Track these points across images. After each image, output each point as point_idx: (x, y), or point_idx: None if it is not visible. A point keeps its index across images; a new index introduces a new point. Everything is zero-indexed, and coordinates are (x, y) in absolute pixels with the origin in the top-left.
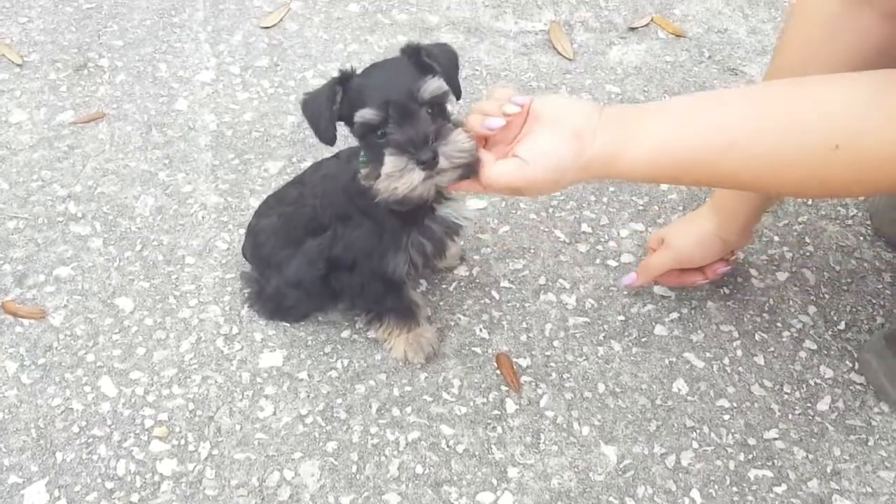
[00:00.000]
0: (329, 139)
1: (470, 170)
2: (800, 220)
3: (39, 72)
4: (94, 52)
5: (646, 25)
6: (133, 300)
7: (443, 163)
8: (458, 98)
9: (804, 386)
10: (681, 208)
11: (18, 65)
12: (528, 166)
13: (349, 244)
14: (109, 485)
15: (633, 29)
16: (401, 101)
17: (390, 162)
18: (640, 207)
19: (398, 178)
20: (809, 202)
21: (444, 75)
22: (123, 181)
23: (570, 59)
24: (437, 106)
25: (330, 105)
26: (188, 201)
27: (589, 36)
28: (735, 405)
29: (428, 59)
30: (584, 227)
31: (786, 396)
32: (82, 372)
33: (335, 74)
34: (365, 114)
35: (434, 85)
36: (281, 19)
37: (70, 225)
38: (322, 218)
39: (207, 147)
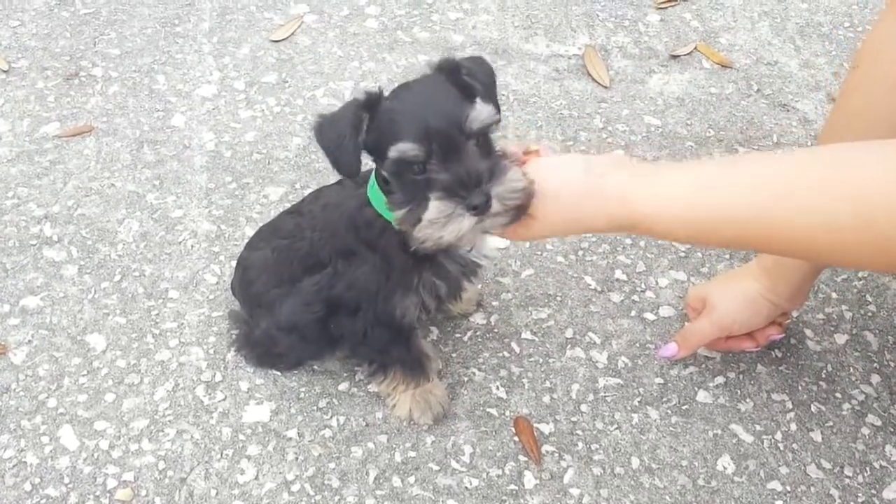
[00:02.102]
0: (352, 173)
1: (522, 211)
2: (860, 275)
3: (27, 79)
4: (87, 61)
5: (689, 54)
6: (106, 338)
7: (495, 206)
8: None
9: (868, 469)
10: (727, 256)
11: (4, 71)
12: (534, 180)
13: (352, 283)
14: None
15: (675, 57)
16: (444, 131)
17: (436, 207)
18: (682, 254)
19: (443, 224)
20: None
21: (485, 96)
22: (107, 202)
23: (605, 87)
24: (483, 136)
25: (355, 135)
26: (177, 228)
27: (627, 63)
28: (789, 489)
29: (468, 79)
30: (619, 274)
31: (847, 480)
32: (41, 419)
33: (347, 93)
34: (403, 148)
35: (485, 113)
36: (292, 33)
37: (43, 249)
38: (321, 253)
39: (203, 168)
